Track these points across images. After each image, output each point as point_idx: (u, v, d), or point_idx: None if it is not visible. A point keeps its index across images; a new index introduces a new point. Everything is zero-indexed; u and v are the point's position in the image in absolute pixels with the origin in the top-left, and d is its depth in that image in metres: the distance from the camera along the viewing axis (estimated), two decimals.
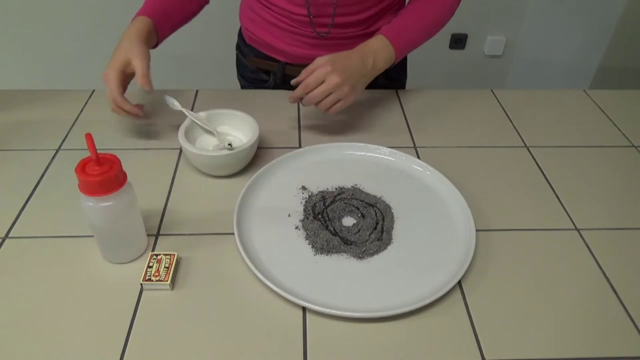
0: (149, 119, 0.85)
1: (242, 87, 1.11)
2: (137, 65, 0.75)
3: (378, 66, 0.82)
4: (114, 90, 0.75)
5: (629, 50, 2.11)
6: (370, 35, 0.87)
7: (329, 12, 0.87)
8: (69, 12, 1.89)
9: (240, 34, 1.05)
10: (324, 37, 0.90)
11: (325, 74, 0.76)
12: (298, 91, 0.78)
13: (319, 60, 0.78)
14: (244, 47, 1.03)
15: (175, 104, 0.81)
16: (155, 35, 0.84)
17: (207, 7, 0.96)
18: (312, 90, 0.77)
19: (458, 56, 2.16)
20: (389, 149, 0.81)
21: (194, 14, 0.93)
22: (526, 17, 2.06)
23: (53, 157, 0.79)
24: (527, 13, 2.05)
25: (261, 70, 1.02)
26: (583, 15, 2.04)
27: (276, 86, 1.01)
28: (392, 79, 1.03)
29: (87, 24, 1.91)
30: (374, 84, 0.97)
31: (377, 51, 0.81)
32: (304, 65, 0.81)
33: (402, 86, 1.09)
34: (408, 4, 0.89)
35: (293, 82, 0.80)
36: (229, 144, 0.79)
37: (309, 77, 0.77)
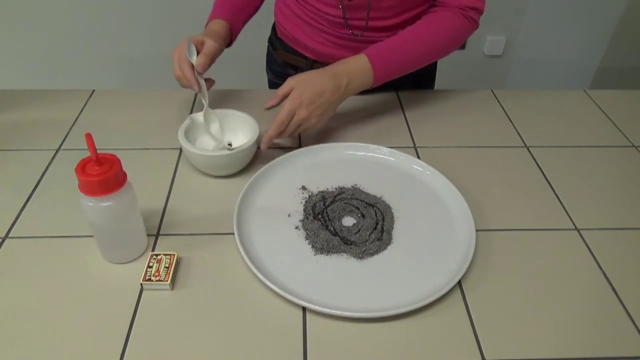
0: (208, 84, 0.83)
1: (270, 80, 1.12)
2: (208, 44, 0.80)
3: (352, 88, 0.80)
4: (182, 50, 0.80)
5: (629, 50, 2.11)
6: None
7: (362, 15, 0.86)
8: (70, 12, 1.88)
9: (273, 27, 1.06)
10: (357, 39, 0.90)
11: (294, 108, 0.75)
12: (272, 132, 0.76)
13: (290, 83, 0.77)
14: (275, 40, 1.04)
15: (193, 58, 0.80)
16: (230, 35, 0.90)
17: None
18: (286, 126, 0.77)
19: (458, 56, 2.16)
20: (389, 149, 0.81)
21: (260, 4, 0.98)
22: (526, 17, 2.05)
23: (53, 157, 0.79)
24: (527, 13, 2.04)
25: (289, 65, 1.02)
26: (583, 15, 2.04)
27: None
28: (418, 86, 1.02)
29: (87, 24, 1.91)
30: (400, 88, 0.97)
31: (352, 73, 0.79)
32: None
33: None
34: (411, 25, 0.85)
35: (266, 107, 0.79)
36: (229, 144, 0.79)
37: (281, 114, 0.75)
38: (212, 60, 0.81)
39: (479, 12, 0.85)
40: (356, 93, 0.82)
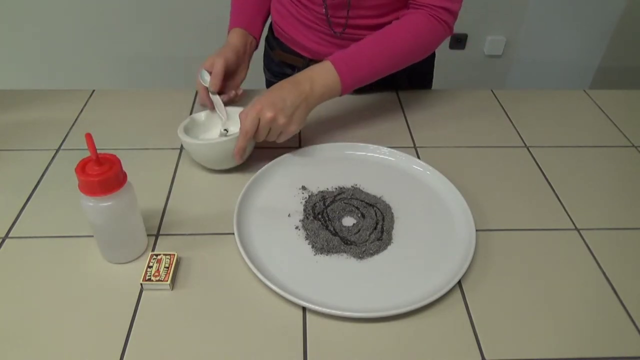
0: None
1: (267, 80, 1.12)
2: (216, 64, 0.84)
3: (317, 92, 0.76)
4: (198, 78, 0.85)
5: (629, 50, 2.11)
6: None
7: (343, 14, 0.87)
8: (70, 12, 1.89)
9: (270, 27, 1.06)
10: (340, 37, 0.90)
11: (258, 113, 0.72)
12: (240, 142, 0.73)
13: (252, 102, 0.75)
14: (272, 40, 1.05)
15: (206, 79, 0.85)
16: (253, 38, 0.93)
17: None
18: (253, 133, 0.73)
19: (458, 56, 2.16)
20: (389, 149, 0.81)
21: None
22: (526, 17, 2.05)
23: (53, 157, 0.79)
24: (527, 13, 2.04)
25: (286, 64, 1.02)
26: (583, 15, 2.04)
27: None
28: (416, 85, 1.02)
29: (87, 24, 1.91)
30: (397, 87, 0.97)
31: (315, 78, 0.76)
32: None
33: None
34: (377, 31, 0.81)
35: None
36: (225, 129, 0.79)
37: (245, 122, 0.72)
38: (224, 76, 0.84)
39: (452, 13, 0.82)
40: (325, 98, 0.78)
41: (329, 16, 0.88)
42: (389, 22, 0.84)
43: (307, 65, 0.98)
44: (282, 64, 1.03)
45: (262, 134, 0.74)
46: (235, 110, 0.81)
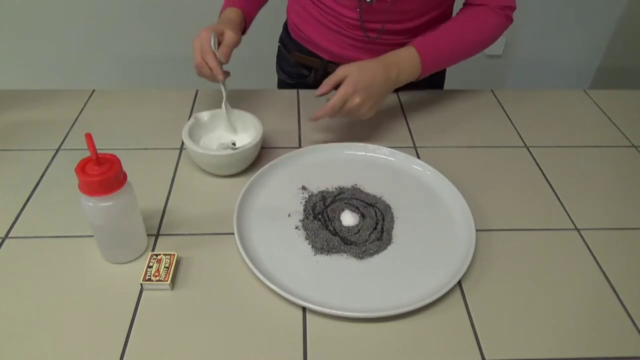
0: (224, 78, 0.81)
1: (280, 80, 1.11)
2: (228, 35, 0.80)
3: (401, 80, 0.81)
4: (205, 40, 0.78)
5: (629, 50, 2.11)
6: None
7: (379, 18, 0.86)
8: (70, 12, 1.89)
9: (285, 27, 1.05)
10: (373, 41, 0.90)
11: (348, 94, 0.75)
12: (322, 114, 0.77)
13: (343, 71, 0.77)
14: (287, 41, 1.04)
15: (215, 48, 0.79)
16: (244, 22, 0.89)
17: None
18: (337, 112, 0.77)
19: None
20: (389, 149, 0.81)
21: None
22: (526, 17, 2.05)
23: (53, 157, 0.79)
24: (527, 13, 2.04)
25: (302, 65, 1.02)
26: (583, 15, 2.04)
27: (316, 82, 1.00)
28: (433, 85, 1.02)
29: (87, 24, 1.91)
30: (411, 88, 0.96)
31: (402, 65, 0.80)
32: None
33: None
34: (452, 19, 0.87)
35: (317, 94, 0.79)
36: (233, 143, 0.79)
37: (335, 99, 0.75)
38: (231, 51, 0.81)
39: (513, 9, 0.88)
40: (403, 84, 0.81)
41: (363, 21, 0.87)
42: (419, 26, 0.87)
43: (325, 67, 0.98)
44: (298, 65, 1.02)
45: (341, 113, 0.77)
46: (246, 116, 0.80)
